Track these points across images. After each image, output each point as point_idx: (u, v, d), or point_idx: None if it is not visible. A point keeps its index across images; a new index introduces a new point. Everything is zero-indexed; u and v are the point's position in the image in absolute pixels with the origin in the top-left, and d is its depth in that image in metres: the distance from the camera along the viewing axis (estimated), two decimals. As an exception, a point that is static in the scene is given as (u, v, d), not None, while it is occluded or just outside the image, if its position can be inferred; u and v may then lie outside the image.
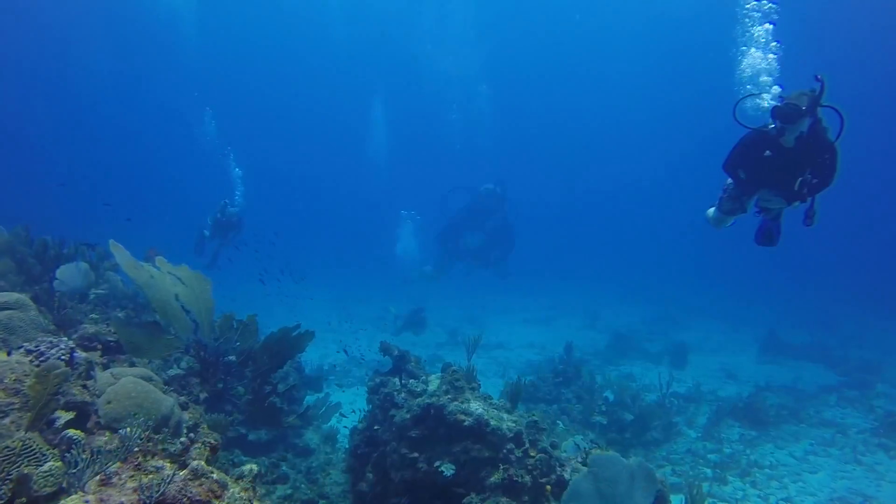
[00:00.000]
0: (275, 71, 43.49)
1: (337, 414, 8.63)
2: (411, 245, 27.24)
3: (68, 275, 4.95)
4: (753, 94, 4.69)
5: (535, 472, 3.81)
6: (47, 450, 2.14)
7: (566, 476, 3.91)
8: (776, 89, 4.95)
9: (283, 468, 6.35)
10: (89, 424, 2.45)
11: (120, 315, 5.03)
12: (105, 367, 3.88)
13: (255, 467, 2.49)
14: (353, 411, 6.45)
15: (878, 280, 31.15)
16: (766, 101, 4.59)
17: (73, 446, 2.18)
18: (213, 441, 3.02)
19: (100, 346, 4.01)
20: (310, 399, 8.38)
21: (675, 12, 32.45)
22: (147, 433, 2.37)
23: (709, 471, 7.47)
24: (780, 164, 4.45)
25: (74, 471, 2.01)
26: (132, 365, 3.89)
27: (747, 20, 6.43)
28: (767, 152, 4.44)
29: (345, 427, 8.01)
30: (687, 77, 38.79)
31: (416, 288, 24.05)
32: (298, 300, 17.73)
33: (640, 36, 36.77)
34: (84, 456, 2.10)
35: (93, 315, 4.49)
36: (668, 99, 42.50)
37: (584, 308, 21.14)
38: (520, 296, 24.39)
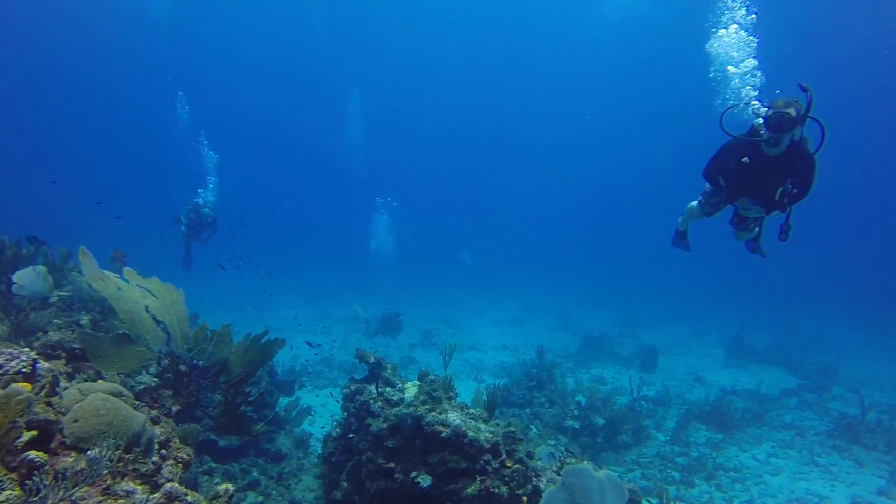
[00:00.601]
0: (249, 61, 42.53)
1: (308, 418, 8.52)
2: (387, 240, 27.03)
3: (27, 279, 4.70)
4: (738, 104, 4.75)
5: (511, 484, 3.82)
6: (4, 475, 2.03)
7: (542, 486, 3.93)
8: (756, 104, 5.08)
9: (255, 474, 6.24)
10: (53, 444, 2.33)
11: (85, 319, 4.83)
12: (70, 376, 3.72)
13: (230, 487, 2.42)
14: (332, 416, 6.35)
15: (834, 286, 32.53)
16: (752, 108, 4.66)
17: (36, 471, 2.07)
18: (185, 456, 2.93)
19: (64, 354, 3.85)
20: (282, 402, 8.24)
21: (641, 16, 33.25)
22: (118, 453, 2.27)
23: (677, 474, 7.66)
24: (762, 172, 4.51)
25: (36, 499, 1.91)
26: (98, 373, 3.74)
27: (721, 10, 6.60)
28: (745, 159, 4.50)
29: (318, 433, 7.92)
30: (658, 82, 39.68)
31: (390, 288, 23.99)
32: (268, 298, 17.50)
33: (613, 43, 37.42)
34: (47, 481, 2.00)
35: (56, 321, 4.30)
36: (642, 104, 43.35)
37: (556, 310, 21.41)
38: (493, 297, 24.58)
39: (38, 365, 3.09)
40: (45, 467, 2.12)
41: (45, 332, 3.97)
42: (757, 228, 5.26)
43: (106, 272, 3.05)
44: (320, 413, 9.42)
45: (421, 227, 46.33)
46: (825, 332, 19.04)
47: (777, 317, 21.18)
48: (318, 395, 9.86)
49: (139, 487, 2.20)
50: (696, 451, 8.44)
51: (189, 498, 2.17)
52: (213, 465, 5.88)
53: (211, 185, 15.54)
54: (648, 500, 5.17)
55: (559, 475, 4.03)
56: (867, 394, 11.47)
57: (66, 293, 5.42)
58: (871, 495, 7.39)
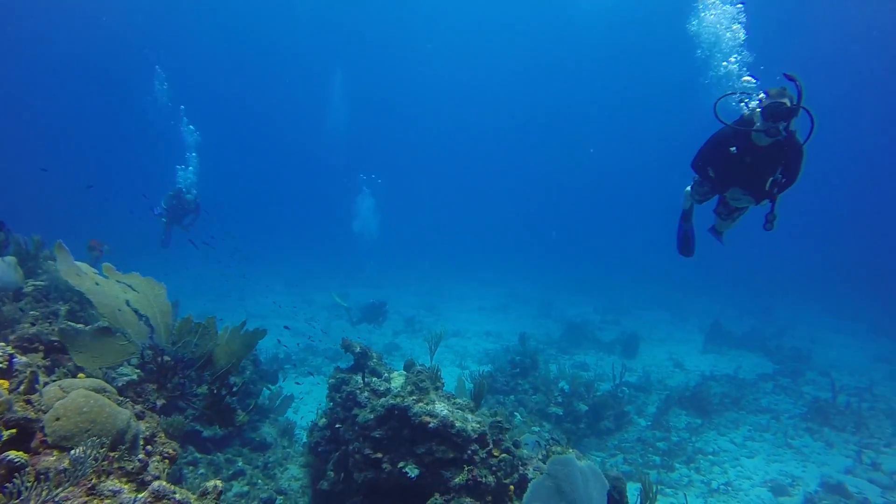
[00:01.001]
0: (229, 39, 41.30)
1: (293, 405, 8.50)
2: (370, 222, 26.65)
3: (-2, 271, 4.54)
4: (734, 93, 4.68)
5: (498, 473, 3.86)
6: (-15, 477, 1.97)
7: (529, 475, 3.99)
8: (749, 80, 5.02)
9: (240, 464, 6.21)
10: (34, 444, 2.27)
11: (63, 309, 4.70)
12: (49, 369, 3.62)
13: (219, 483, 2.39)
14: (319, 405, 6.33)
15: (807, 273, 33.37)
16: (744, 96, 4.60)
17: (16, 472, 2.01)
18: (171, 451, 2.89)
19: (42, 347, 3.75)
20: (266, 391, 8.19)
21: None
22: (103, 451, 2.22)
23: (657, 458, 7.83)
24: (752, 162, 4.48)
25: (17, 501, 1.86)
26: (77, 366, 3.65)
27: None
28: (733, 149, 4.46)
29: (302, 421, 7.90)
30: (639, 71, 39.81)
31: (374, 273, 23.90)
32: (246, 283, 17.31)
33: (594, 32, 37.41)
34: (29, 482, 1.94)
35: (32, 312, 4.17)
36: (623, 94, 43.47)
37: (539, 297, 21.58)
38: (476, 284, 24.66)
39: (14, 359, 3.01)
40: (27, 468, 2.06)
41: (32, 324, 3.85)
42: (740, 219, 5.31)
43: (82, 266, 2.95)
44: (305, 401, 9.40)
45: (404, 211, 46.17)
46: (799, 317, 19.57)
47: (754, 303, 21.68)
48: (299, 383, 9.81)
49: (125, 486, 2.16)
50: (676, 436, 8.64)
51: (177, 496, 2.14)
52: (198, 455, 5.83)
53: (191, 164, 15.19)
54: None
55: (545, 464, 4.10)
56: (837, 377, 11.86)
57: (42, 282, 5.26)
58: (838, 474, 7.69)
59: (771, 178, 4.50)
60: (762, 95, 4.38)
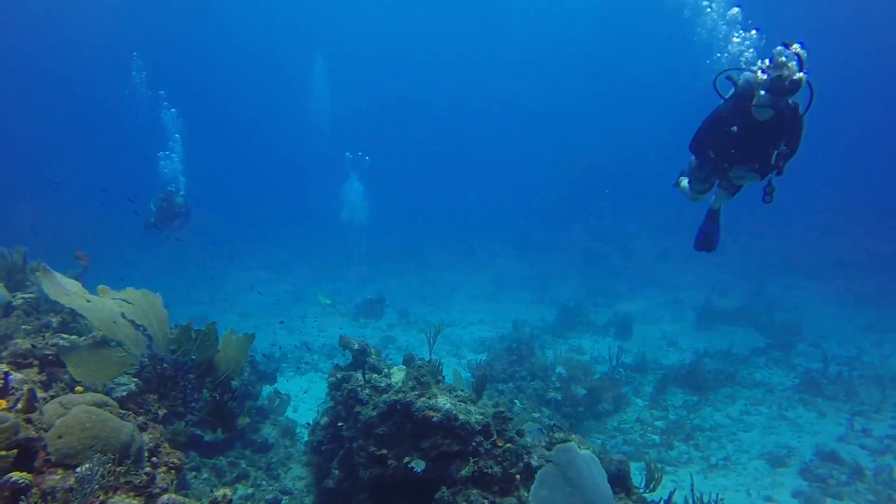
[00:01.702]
0: (207, 24, 40.25)
1: (291, 404, 8.49)
2: (360, 210, 26.16)
3: (-18, 288, 4.44)
4: (736, 69, 4.57)
5: (504, 463, 3.89)
6: (-9, 500, 1.94)
7: (533, 463, 4.02)
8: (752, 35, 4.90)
9: (243, 466, 6.21)
10: (37, 463, 2.24)
11: (55, 321, 4.62)
12: (45, 385, 3.57)
13: (228, 492, 2.38)
14: (321, 402, 6.33)
15: (797, 245, 33.73)
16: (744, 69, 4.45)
17: (22, 494, 1.98)
18: (175, 461, 2.87)
19: (36, 362, 3.69)
20: (265, 391, 8.17)
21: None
22: (108, 467, 2.19)
23: (656, 438, 7.96)
24: (756, 138, 4.38)
25: (27, 523, 1.83)
26: (73, 379, 3.60)
27: None
28: (734, 128, 4.34)
29: (302, 419, 7.91)
30: (628, 45, 39.64)
31: (365, 268, 23.79)
32: (238, 282, 17.14)
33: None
34: (35, 503, 1.92)
35: (24, 326, 4.10)
36: (612, 70, 43.33)
37: (531, 281, 21.64)
38: (468, 272, 24.65)
39: (10, 377, 2.96)
40: (32, 490, 2.03)
41: (30, 343, 3.77)
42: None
43: (69, 284, 2.89)
44: (303, 399, 9.40)
45: (392, 203, 45.79)
46: (788, 291, 19.83)
47: (744, 280, 21.91)
48: (288, 381, 9.80)
49: (134, 501, 2.15)
50: (673, 414, 8.77)
51: (187, 508, 2.13)
52: (200, 460, 5.81)
53: (175, 152, 14.74)
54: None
55: (548, 451, 4.15)
56: (828, 348, 12.08)
57: (31, 295, 5.16)
58: (832, 442, 7.88)
59: (776, 152, 4.40)
60: (762, 66, 4.25)
